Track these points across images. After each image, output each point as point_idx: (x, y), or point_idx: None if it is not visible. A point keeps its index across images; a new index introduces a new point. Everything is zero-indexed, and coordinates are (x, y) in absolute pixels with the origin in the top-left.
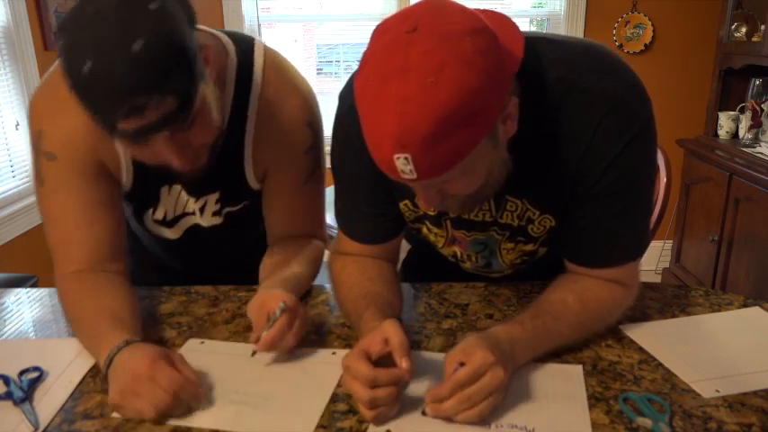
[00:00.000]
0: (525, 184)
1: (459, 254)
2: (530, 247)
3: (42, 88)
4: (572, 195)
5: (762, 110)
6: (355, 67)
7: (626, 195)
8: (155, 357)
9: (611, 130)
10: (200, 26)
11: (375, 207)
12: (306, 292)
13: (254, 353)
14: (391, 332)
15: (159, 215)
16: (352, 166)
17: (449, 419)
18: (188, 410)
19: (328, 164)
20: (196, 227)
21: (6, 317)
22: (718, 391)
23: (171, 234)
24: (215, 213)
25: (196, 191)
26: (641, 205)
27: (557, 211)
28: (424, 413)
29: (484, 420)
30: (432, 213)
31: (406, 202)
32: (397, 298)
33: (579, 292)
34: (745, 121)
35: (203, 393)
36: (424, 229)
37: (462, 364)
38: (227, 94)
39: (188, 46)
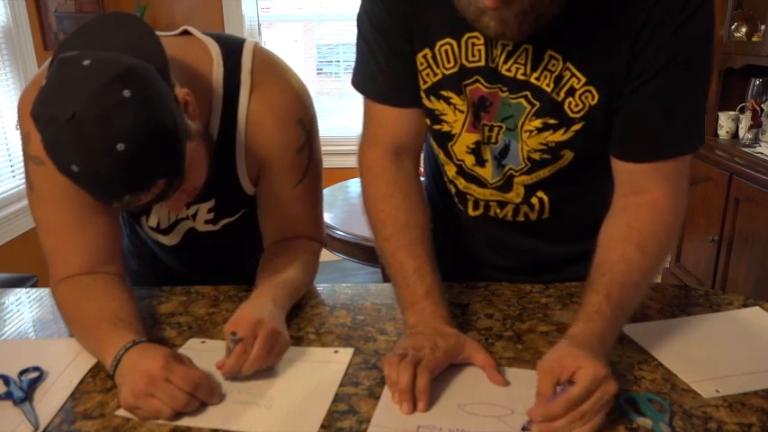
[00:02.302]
0: (573, 41)
1: (477, 144)
2: (558, 137)
3: (30, 89)
4: (628, 69)
5: (762, 110)
6: None
7: (692, 67)
8: (167, 358)
9: None
10: (191, 29)
11: (400, 56)
12: (305, 292)
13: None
14: (480, 358)
15: (153, 222)
16: (381, 7)
17: None
18: (202, 407)
19: (326, 164)
20: (194, 230)
21: (6, 317)
22: (718, 391)
23: (168, 241)
24: (208, 221)
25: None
26: (701, 86)
27: (603, 84)
28: (524, 429)
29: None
30: (453, 71)
31: (426, 52)
32: (429, 223)
33: (635, 238)
34: (745, 121)
35: (219, 390)
36: (441, 106)
37: (570, 381)
38: (215, 105)
39: (169, 122)
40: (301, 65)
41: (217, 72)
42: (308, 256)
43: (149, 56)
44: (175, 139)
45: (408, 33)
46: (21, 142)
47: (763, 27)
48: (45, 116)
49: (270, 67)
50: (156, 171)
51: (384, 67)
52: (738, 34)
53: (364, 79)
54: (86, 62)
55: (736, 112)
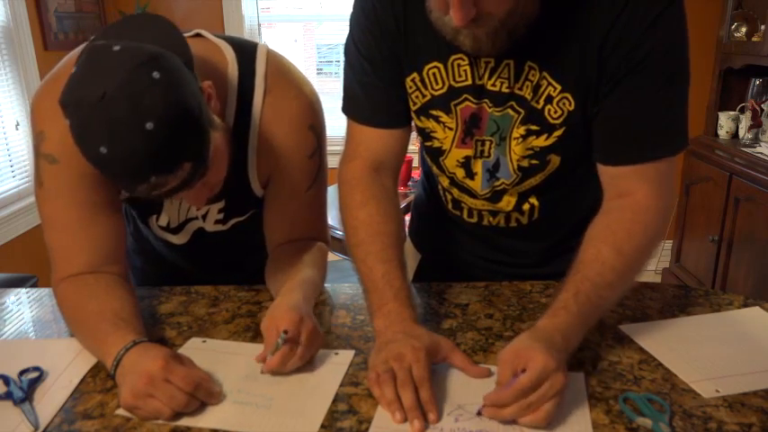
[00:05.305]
0: (548, 52)
1: (467, 159)
2: (541, 142)
3: (44, 88)
4: (599, 74)
5: (762, 110)
6: None
7: (663, 69)
8: (167, 358)
9: None
10: (203, 32)
11: (384, 81)
12: None
13: (262, 371)
14: (458, 359)
15: (163, 222)
16: (368, 34)
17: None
18: (201, 407)
19: (331, 164)
20: (202, 229)
21: (6, 317)
22: (718, 391)
23: (176, 240)
24: (218, 221)
25: None
26: (676, 87)
27: (577, 90)
28: (479, 413)
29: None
30: (442, 92)
31: (414, 76)
32: (402, 235)
33: (611, 239)
34: (745, 121)
35: (219, 390)
36: (431, 124)
37: (523, 370)
38: (229, 106)
39: (195, 107)
40: (301, 65)
41: (232, 74)
42: (320, 257)
43: (175, 50)
44: (201, 123)
45: (395, 61)
46: (33, 141)
47: (763, 27)
48: (74, 100)
49: (283, 72)
50: (183, 153)
51: (367, 92)
52: (738, 34)
53: (348, 102)
54: (116, 48)
55: (736, 112)
